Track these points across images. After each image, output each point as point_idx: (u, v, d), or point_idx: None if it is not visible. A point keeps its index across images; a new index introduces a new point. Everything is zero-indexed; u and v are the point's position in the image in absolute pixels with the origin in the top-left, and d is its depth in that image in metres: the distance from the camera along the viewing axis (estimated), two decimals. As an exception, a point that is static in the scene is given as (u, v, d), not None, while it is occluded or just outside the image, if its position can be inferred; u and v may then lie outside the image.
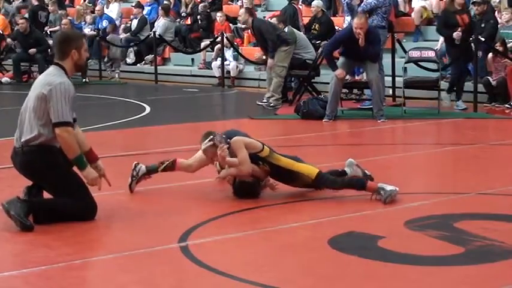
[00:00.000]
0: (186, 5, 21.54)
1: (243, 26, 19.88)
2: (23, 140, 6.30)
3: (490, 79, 13.54)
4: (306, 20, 17.65)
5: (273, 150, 7.16)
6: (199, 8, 20.82)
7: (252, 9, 14.94)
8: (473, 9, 14.64)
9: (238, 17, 16.11)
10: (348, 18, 14.17)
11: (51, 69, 6.41)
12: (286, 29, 14.94)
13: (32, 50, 19.46)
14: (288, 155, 7.32)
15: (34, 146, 6.26)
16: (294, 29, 15.53)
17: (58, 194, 6.34)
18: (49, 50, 19.60)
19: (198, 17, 20.66)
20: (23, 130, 6.33)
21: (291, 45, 14.32)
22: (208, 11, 20.77)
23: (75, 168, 6.36)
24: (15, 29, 21.49)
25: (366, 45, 12.02)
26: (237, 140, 7.03)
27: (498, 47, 13.65)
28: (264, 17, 18.00)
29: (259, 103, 14.32)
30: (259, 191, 7.14)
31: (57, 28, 21.63)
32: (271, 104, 14.11)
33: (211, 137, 7.05)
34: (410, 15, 17.27)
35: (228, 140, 7.04)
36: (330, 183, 7.11)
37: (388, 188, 6.92)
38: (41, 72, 19.44)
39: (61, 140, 6.17)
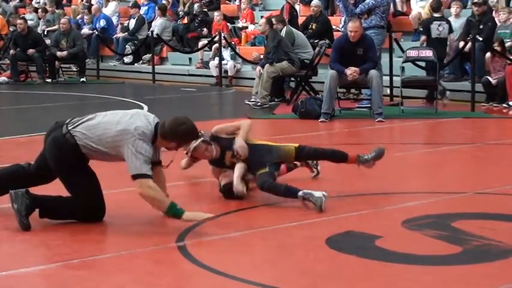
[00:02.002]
0: (184, 4, 21.54)
1: (241, 25, 19.94)
2: (76, 132, 6.14)
3: (490, 79, 13.54)
4: (302, 19, 17.66)
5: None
6: (195, 8, 20.82)
7: (271, 20, 15.07)
8: (474, 10, 14.70)
9: (258, 26, 16.23)
10: (343, 18, 14.19)
11: (146, 127, 6.05)
12: (285, 29, 14.96)
13: (31, 51, 19.44)
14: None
15: (72, 143, 6.15)
16: (293, 29, 15.55)
17: (71, 187, 6.27)
18: (46, 49, 19.64)
19: (195, 16, 20.65)
20: (86, 129, 6.14)
21: (296, 68, 14.42)
22: (206, 10, 20.77)
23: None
24: (13, 29, 21.51)
25: (362, 51, 12.03)
26: (213, 129, 7.15)
27: (496, 47, 13.66)
28: (262, 16, 18.03)
29: (247, 102, 14.36)
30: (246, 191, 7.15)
31: (55, 27, 21.64)
32: (259, 103, 14.12)
33: (202, 137, 7.07)
34: (408, 15, 17.27)
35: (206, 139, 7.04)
36: (313, 152, 7.27)
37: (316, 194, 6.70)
38: (39, 72, 19.65)
39: (144, 197, 5.97)
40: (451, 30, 14.26)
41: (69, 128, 6.19)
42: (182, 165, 7.94)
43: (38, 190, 6.39)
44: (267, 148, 7.19)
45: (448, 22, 14.30)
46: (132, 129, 6.00)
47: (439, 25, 14.14)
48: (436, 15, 14.63)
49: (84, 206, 6.19)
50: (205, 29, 20.28)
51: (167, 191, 6.43)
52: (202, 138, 6.94)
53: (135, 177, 5.94)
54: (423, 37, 14.31)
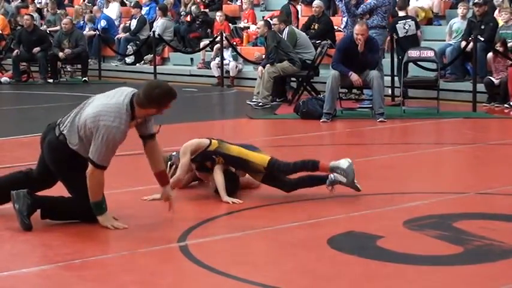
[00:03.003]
0: (185, 5, 21.54)
1: (242, 25, 19.95)
2: (65, 132, 6.16)
3: (493, 79, 13.53)
4: (304, 20, 17.67)
5: (224, 141, 7.22)
6: (193, 9, 20.81)
7: (269, 22, 15.11)
8: (474, 10, 14.71)
9: (257, 29, 16.25)
10: (345, 19, 14.20)
11: (121, 100, 6.06)
12: (287, 29, 14.97)
13: (36, 49, 19.45)
14: (243, 144, 7.41)
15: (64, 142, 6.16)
16: (295, 29, 15.55)
17: (71, 188, 6.28)
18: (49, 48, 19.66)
19: (196, 17, 20.66)
20: (67, 128, 6.16)
21: (297, 68, 14.44)
22: (206, 10, 20.75)
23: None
24: (18, 27, 21.52)
25: (365, 52, 12.05)
26: (182, 148, 7.14)
27: (498, 47, 13.66)
28: (263, 17, 18.04)
29: (249, 102, 14.37)
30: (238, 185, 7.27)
31: (57, 28, 21.65)
32: (260, 104, 14.13)
33: (170, 162, 7.26)
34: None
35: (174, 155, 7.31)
36: (283, 166, 7.10)
37: (343, 164, 6.97)
38: (41, 72, 19.67)
39: (89, 179, 6.03)
40: (418, 27, 14.41)
41: (61, 129, 6.21)
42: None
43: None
44: (240, 160, 7.14)
45: (414, 19, 14.60)
46: (105, 110, 6.00)
47: (404, 24, 14.27)
48: (401, 13, 14.76)
49: (86, 205, 6.19)
50: (208, 30, 20.32)
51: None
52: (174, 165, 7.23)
53: (95, 164, 6.00)
54: (388, 38, 14.43)
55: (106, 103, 6.05)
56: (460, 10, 15.48)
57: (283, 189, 7.15)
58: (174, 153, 7.47)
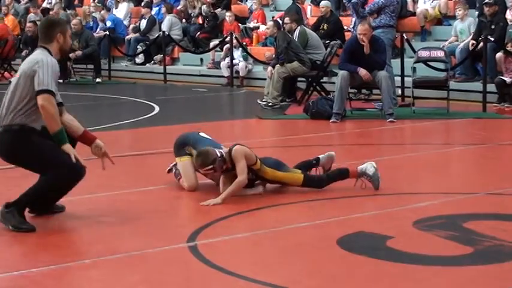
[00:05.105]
0: (194, 7, 21.55)
1: (252, 25, 19.95)
2: (4, 123, 6.25)
3: (506, 79, 13.47)
4: (313, 20, 17.66)
5: (262, 164, 7.22)
6: (203, 9, 20.85)
7: (279, 23, 15.12)
8: (485, 10, 14.67)
9: (266, 29, 16.27)
10: (354, 20, 14.20)
11: (37, 51, 6.41)
12: (298, 29, 14.96)
13: None
14: (271, 159, 7.42)
15: (16, 126, 6.20)
16: (306, 29, 15.55)
17: (42, 169, 6.24)
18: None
19: (205, 16, 20.69)
20: (3, 112, 6.29)
21: (307, 68, 14.45)
22: (212, 11, 20.75)
23: None
24: (25, 32, 21.54)
25: (371, 53, 12.04)
26: (238, 150, 7.06)
27: (509, 47, 13.62)
28: (273, 17, 18.03)
29: (259, 102, 14.37)
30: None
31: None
32: (270, 104, 14.12)
33: (211, 166, 7.03)
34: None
35: (224, 151, 7.07)
36: (317, 182, 7.37)
37: (369, 170, 7.31)
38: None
39: (44, 110, 6.10)
40: None
41: (3, 124, 6.25)
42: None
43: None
44: (274, 181, 7.33)
45: None
46: (32, 59, 6.30)
47: None
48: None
49: (69, 168, 6.16)
50: (217, 31, 20.37)
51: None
52: (213, 169, 7.05)
53: (43, 92, 6.11)
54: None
55: (30, 58, 6.36)
56: (458, 12, 15.50)
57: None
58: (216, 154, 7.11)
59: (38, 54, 6.36)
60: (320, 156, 7.74)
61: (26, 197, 6.24)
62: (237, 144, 7.15)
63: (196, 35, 20.65)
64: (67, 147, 6.20)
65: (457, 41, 15.34)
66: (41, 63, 6.21)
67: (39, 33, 6.54)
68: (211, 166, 7.00)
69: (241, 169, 6.99)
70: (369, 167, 7.35)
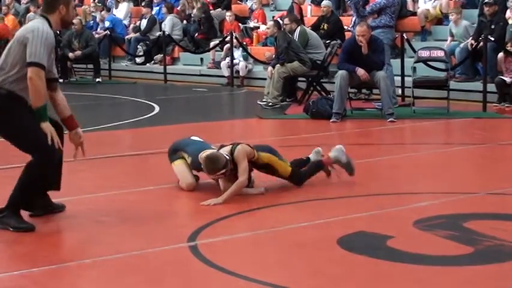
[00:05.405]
0: (193, 7, 21.55)
1: (252, 25, 19.95)
2: None
3: (506, 79, 13.46)
4: (314, 20, 17.65)
5: (257, 151, 7.29)
6: (194, 13, 20.83)
7: (279, 22, 15.14)
8: (485, 10, 14.66)
9: (266, 29, 16.28)
10: (354, 19, 14.20)
11: (37, 19, 6.34)
12: (298, 29, 14.96)
13: None
14: (264, 145, 7.60)
15: (4, 90, 6.13)
16: (307, 29, 15.54)
17: (19, 145, 6.22)
18: (58, 49, 19.68)
19: (198, 20, 20.69)
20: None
21: (307, 68, 14.46)
22: (204, 14, 20.68)
23: None
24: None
25: (370, 53, 12.05)
26: (240, 151, 7.07)
27: (509, 47, 13.61)
28: (273, 17, 18.02)
29: (259, 102, 14.37)
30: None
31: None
32: (270, 103, 14.13)
33: (224, 170, 6.96)
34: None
35: (226, 152, 7.07)
36: (298, 180, 7.48)
37: (342, 158, 7.57)
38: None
39: (31, 83, 6.01)
40: None
41: None
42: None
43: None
44: (266, 165, 7.37)
45: None
46: (28, 27, 6.21)
47: None
48: None
49: (53, 157, 6.12)
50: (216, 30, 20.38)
51: None
52: (223, 176, 7.05)
53: (34, 64, 6.02)
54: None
55: (27, 25, 6.36)
56: (451, 16, 15.51)
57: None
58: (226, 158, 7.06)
59: (36, 22, 6.27)
60: (310, 155, 7.80)
61: (16, 195, 6.17)
62: (238, 144, 7.15)
63: (195, 36, 20.64)
64: (46, 125, 6.08)
65: (454, 40, 15.32)
66: (36, 32, 6.09)
67: (43, 3, 6.49)
68: (223, 170, 6.96)
69: (243, 170, 7.00)
70: (341, 154, 7.60)
